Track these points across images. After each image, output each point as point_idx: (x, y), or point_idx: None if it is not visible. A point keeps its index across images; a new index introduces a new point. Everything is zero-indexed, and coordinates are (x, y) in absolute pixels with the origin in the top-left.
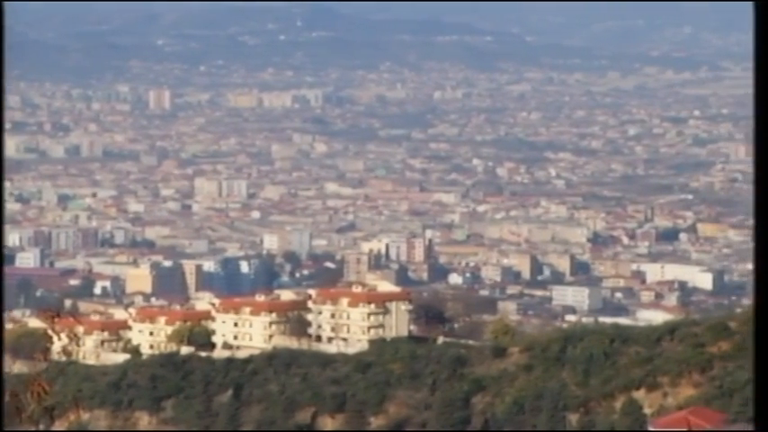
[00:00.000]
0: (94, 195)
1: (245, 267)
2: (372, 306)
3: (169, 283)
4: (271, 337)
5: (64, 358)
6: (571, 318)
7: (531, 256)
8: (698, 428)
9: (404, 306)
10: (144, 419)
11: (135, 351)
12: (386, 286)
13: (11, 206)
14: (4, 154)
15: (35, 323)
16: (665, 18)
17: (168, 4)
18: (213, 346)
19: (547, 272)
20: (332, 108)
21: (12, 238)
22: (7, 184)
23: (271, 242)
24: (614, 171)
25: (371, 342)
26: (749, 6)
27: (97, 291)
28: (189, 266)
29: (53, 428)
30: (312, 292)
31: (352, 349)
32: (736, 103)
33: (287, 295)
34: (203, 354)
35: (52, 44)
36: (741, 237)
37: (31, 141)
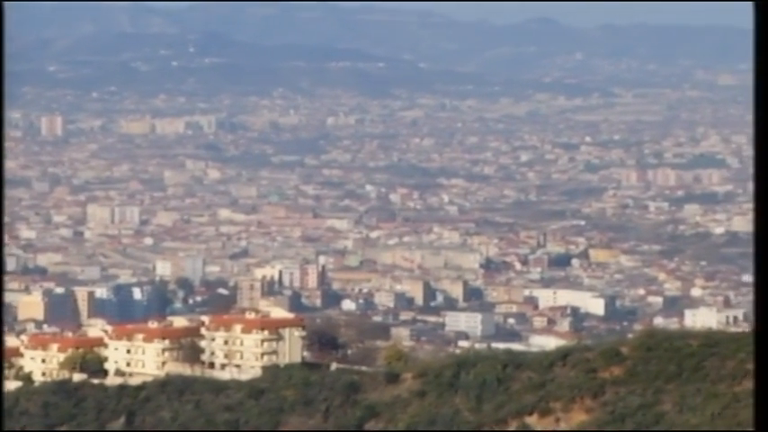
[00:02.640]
0: None
1: (137, 294)
2: (265, 332)
3: (61, 310)
4: (164, 363)
5: None
6: (464, 343)
7: (423, 282)
8: None
9: (297, 332)
10: None
11: (27, 378)
12: (279, 312)
13: None
14: (4, 156)
15: None
16: (557, 45)
17: (60, 29)
18: (106, 372)
19: (440, 298)
20: (225, 134)
21: None
22: None
23: (164, 268)
24: (507, 197)
25: (265, 368)
26: (641, 33)
27: None
28: (81, 293)
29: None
30: (205, 318)
31: (245, 376)
32: (628, 129)
33: (180, 322)
34: (96, 381)
35: None
36: (633, 262)
37: None
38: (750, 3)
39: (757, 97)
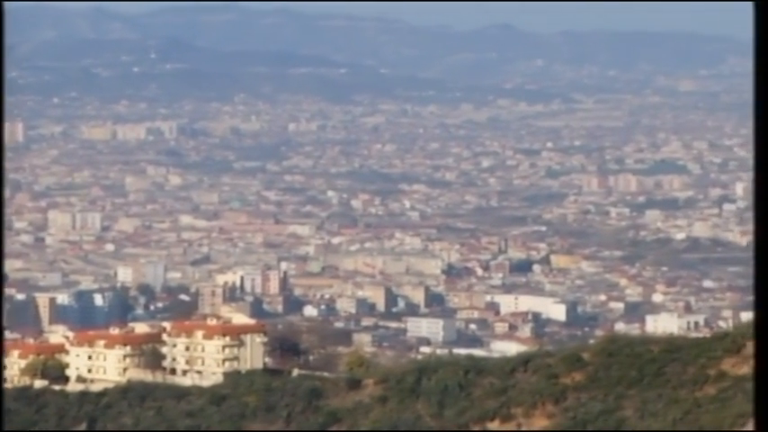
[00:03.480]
0: None
1: (99, 300)
2: (227, 338)
3: (22, 316)
4: (125, 370)
5: None
6: (426, 349)
7: (385, 288)
8: None
9: (259, 338)
10: None
11: None
12: (241, 318)
13: None
14: (4, 153)
15: None
16: (518, 51)
17: (21, 35)
18: (67, 379)
19: (401, 303)
20: (186, 140)
21: None
22: None
23: (125, 275)
24: (468, 203)
25: (226, 375)
26: (602, 39)
27: None
28: (42, 299)
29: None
30: (167, 324)
31: (206, 382)
32: (589, 134)
33: (141, 328)
34: (57, 387)
35: None
36: (594, 268)
37: None
38: (698, 4)
39: (757, 97)
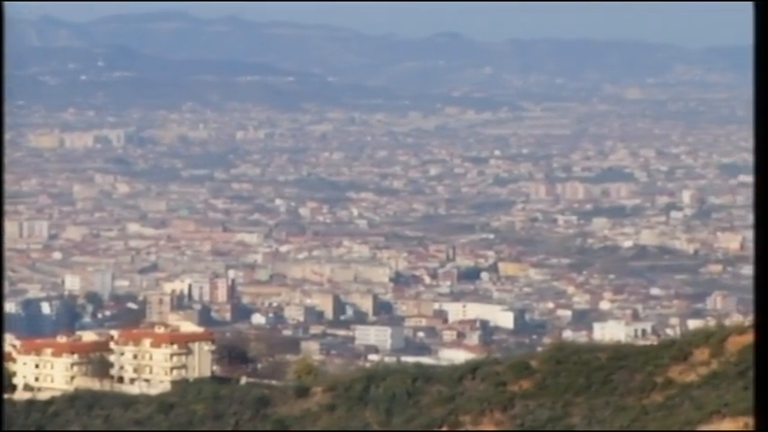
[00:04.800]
0: None
1: (46, 308)
2: (175, 347)
3: None
4: (72, 378)
5: None
6: (374, 357)
7: (333, 296)
8: None
9: (207, 346)
10: None
11: None
12: (188, 327)
13: None
14: (4, 155)
15: None
16: (465, 59)
17: None
18: (14, 387)
19: (350, 311)
20: (134, 148)
21: None
22: None
23: (72, 283)
24: (416, 211)
25: (174, 383)
26: (549, 47)
27: None
28: None
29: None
30: (114, 332)
31: (154, 390)
32: (536, 142)
33: (89, 336)
34: (4, 396)
35: None
36: (541, 276)
37: None
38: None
39: (757, 97)
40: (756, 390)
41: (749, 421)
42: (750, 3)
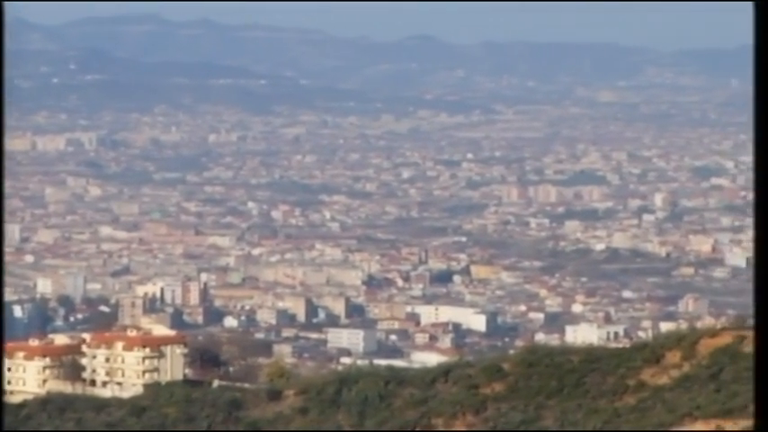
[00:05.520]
0: None
1: (18, 311)
2: (147, 350)
3: None
4: (44, 381)
5: None
6: (346, 360)
7: (306, 299)
8: None
9: (179, 349)
10: None
11: None
12: (161, 330)
13: None
14: (4, 154)
15: None
16: (438, 62)
17: None
18: None
19: (322, 314)
20: (106, 151)
21: None
22: None
23: (44, 286)
24: (388, 214)
25: (146, 386)
26: (521, 50)
27: None
28: None
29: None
30: (86, 336)
31: (126, 393)
32: (509, 145)
33: (61, 339)
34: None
35: None
36: (514, 279)
37: None
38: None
39: (757, 98)
40: (756, 390)
41: (721, 423)
42: (717, 7)
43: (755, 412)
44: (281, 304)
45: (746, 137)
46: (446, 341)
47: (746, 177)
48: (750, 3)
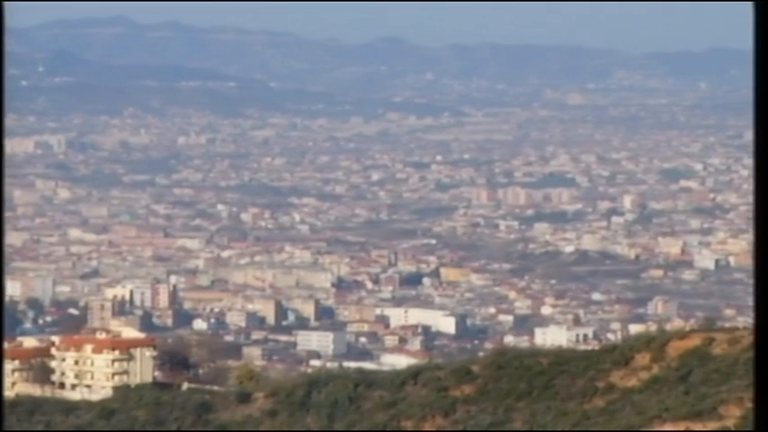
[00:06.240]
0: None
1: None
2: (116, 352)
3: None
4: (13, 384)
5: None
6: (316, 362)
7: (275, 302)
8: None
9: (148, 352)
10: None
11: None
12: (130, 332)
13: None
14: (4, 155)
15: None
16: (407, 64)
17: None
18: None
19: (291, 317)
20: (75, 154)
21: None
22: None
23: (13, 289)
24: (358, 216)
25: (116, 389)
26: (490, 52)
27: None
28: None
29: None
30: (55, 338)
31: (96, 396)
32: (478, 148)
33: (30, 342)
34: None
35: None
36: (483, 281)
37: None
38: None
39: (757, 98)
40: (756, 389)
41: (690, 425)
42: (685, 9)
43: (755, 412)
44: (250, 307)
45: (715, 139)
46: (415, 343)
47: (715, 180)
48: (705, 4)
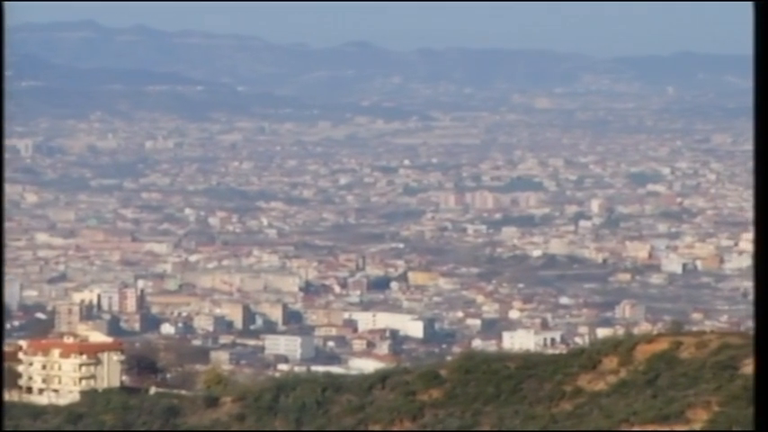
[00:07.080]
0: None
1: None
2: (84, 357)
3: None
4: None
5: None
6: (284, 367)
7: (243, 306)
8: None
9: (116, 356)
10: None
11: None
12: (98, 337)
13: None
14: (4, 157)
15: None
16: (375, 68)
17: None
18: None
19: (259, 321)
20: (42, 158)
21: None
22: None
23: None
24: (326, 220)
25: (83, 393)
26: (458, 57)
27: None
28: None
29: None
30: (23, 343)
31: (63, 400)
32: (446, 152)
33: None
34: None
35: None
36: (451, 285)
37: None
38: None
39: (757, 99)
40: (757, 389)
41: (657, 429)
42: (652, 13)
43: (755, 412)
44: (218, 311)
45: (682, 143)
46: (383, 348)
47: (683, 184)
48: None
